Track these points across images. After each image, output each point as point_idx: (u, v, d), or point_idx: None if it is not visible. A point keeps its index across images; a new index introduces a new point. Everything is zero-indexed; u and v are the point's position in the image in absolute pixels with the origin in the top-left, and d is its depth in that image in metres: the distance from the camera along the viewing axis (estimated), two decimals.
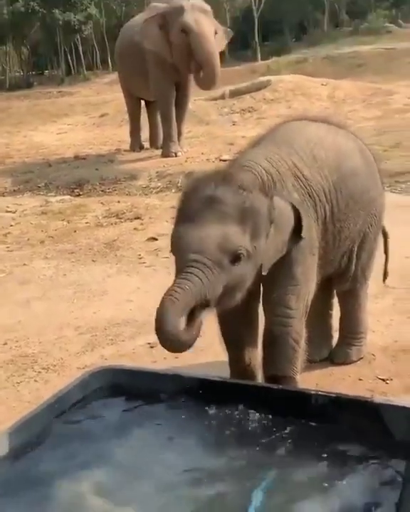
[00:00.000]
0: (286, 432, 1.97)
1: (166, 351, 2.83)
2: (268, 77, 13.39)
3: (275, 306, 2.14)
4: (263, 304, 2.21)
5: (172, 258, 1.93)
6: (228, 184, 1.84)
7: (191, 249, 1.78)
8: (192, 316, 1.80)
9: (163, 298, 1.74)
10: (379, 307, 3.15)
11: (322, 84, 12.77)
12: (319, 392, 1.98)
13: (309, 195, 2.15)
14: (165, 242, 4.53)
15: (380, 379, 2.52)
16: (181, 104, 8.22)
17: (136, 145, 9.02)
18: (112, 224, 5.18)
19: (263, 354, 2.24)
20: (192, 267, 1.75)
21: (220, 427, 2.02)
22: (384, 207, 2.55)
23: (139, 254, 4.35)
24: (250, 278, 1.96)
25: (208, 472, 1.84)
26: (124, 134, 9.97)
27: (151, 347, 2.99)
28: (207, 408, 2.07)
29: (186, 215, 1.85)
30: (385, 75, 17.72)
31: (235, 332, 2.33)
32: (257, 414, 2.03)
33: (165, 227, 4.91)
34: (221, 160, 7.36)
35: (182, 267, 1.79)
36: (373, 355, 2.71)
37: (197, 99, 11.33)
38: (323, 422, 1.94)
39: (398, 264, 3.67)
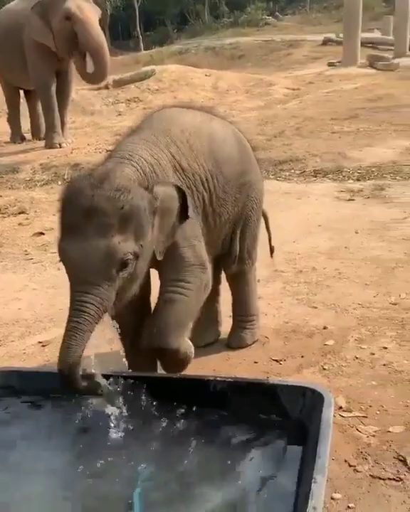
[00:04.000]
0: (185, 420, 1.97)
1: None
2: (152, 67, 13.31)
3: (170, 282, 2.15)
4: (160, 288, 2.19)
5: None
6: (104, 189, 1.80)
7: (79, 269, 1.79)
8: None
9: (64, 335, 1.80)
10: (269, 291, 3.22)
11: (206, 75, 12.90)
12: (217, 378, 2.00)
13: (187, 186, 2.17)
14: (53, 237, 4.41)
15: (274, 360, 2.57)
16: (63, 93, 7.96)
17: (16, 136, 8.64)
18: None
19: (148, 322, 2.17)
20: (83, 291, 1.78)
21: (114, 422, 1.98)
22: (263, 191, 2.63)
23: (26, 250, 4.17)
24: (143, 271, 1.97)
25: (94, 470, 1.80)
26: (2, 125, 9.52)
27: (43, 346, 2.87)
28: (103, 404, 2.04)
29: (68, 228, 1.83)
30: (264, 66, 18.23)
31: (129, 321, 2.30)
32: (155, 405, 2.02)
33: (52, 221, 4.74)
34: (107, 151, 7.23)
35: (73, 288, 1.82)
36: (266, 337, 2.77)
37: (80, 89, 11.05)
38: (223, 407, 1.97)
39: (285, 248, 3.80)
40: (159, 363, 2.30)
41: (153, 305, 2.31)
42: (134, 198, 1.84)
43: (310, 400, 1.86)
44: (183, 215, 2.03)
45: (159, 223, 1.96)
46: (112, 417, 1.98)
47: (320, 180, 5.55)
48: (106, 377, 2.02)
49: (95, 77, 7.25)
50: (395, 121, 7.60)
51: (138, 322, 2.31)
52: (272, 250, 2.82)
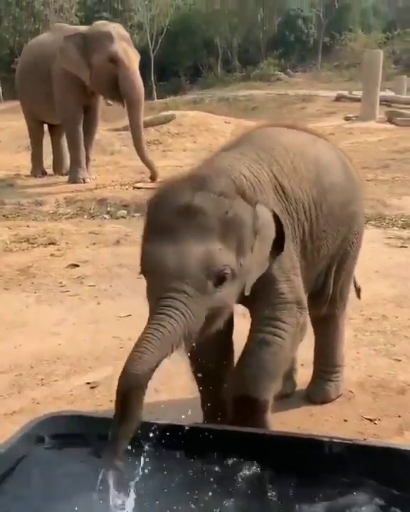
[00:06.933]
0: (293, 486, 1.62)
1: (112, 393, 2.46)
2: (172, 112, 13.33)
3: (266, 320, 1.82)
4: (252, 326, 1.86)
5: (143, 281, 1.58)
6: (207, 190, 1.53)
7: (169, 273, 1.45)
8: None
9: (136, 343, 1.40)
10: None
11: (226, 122, 12.88)
12: (334, 439, 1.65)
13: (288, 212, 1.88)
14: (89, 270, 4.10)
15: (367, 419, 2.23)
16: (89, 129, 7.80)
17: (38, 170, 8.42)
18: (23, 250, 4.60)
19: (237, 366, 1.84)
20: (171, 298, 1.44)
21: (203, 482, 1.63)
22: (363, 223, 2.33)
23: (61, 282, 3.84)
24: (234, 301, 1.66)
25: None
26: (22, 159, 9.35)
27: (92, 388, 2.52)
28: (189, 461, 1.69)
29: (158, 229, 1.52)
30: (278, 118, 18.36)
31: (210, 367, 1.96)
32: (250, 465, 1.67)
33: (87, 253, 4.47)
34: (135, 187, 7.02)
35: (158, 297, 1.46)
36: (351, 392, 2.43)
37: (100, 129, 10.96)
38: (340, 474, 1.61)
39: (351, 294, 3.48)
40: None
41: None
42: (240, 207, 1.56)
43: None
44: (278, 247, 1.73)
45: (258, 248, 1.65)
46: (194, 476, 1.64)
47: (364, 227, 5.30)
48: (191, 430, 1.68)
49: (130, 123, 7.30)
50: None
51: (220, 365, 1.98)
52: (358, 290, 2.52)
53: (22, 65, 8.27)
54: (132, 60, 7.07)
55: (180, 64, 33.63)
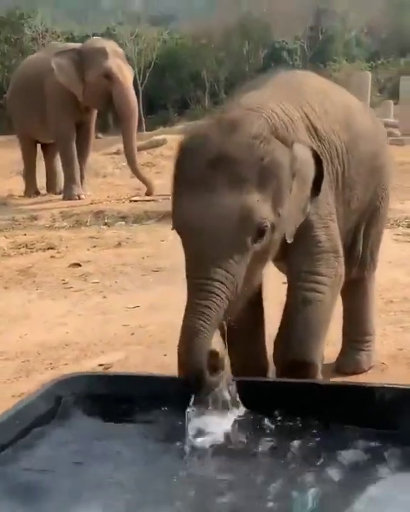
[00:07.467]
0: (340, 438, 1.46)
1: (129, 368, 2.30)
2: (164, 136, 13.35)
3: (304, 275, 1.71)
4: (290, 282, 1.73)
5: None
6: (239, 134, 1.42)
7: (202, 233, 1.36)
8: None
9: (185, 324, 1.34)
10: None
11: None
12: (385, 385, 1.51)
13: (321, 155, 1.76)
14: (92, 268, 3.95)
15: None
16: (83, 145, 7.74)
17: (31, 190, 8.30)
18: (21, 254, 4.45)
19: (281, 329, 1.72)
20: (209, 265, 1.34)
21: (241, 435, 1.47)
22: (392, 179, 2.21)
23: (63, 279, 3.69)
24: (273, 254, 1.55)
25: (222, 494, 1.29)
26: (14, 184, 9.25)
27: (106, 368, 2.37)
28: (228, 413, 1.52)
29: (189, 181, 1.42)
30: None
31: (240, 324, 1.81)
32: (300, 416, 1.50)
33: (88, 255, 4.33)
34: (131, 201, 6.92)
35: (193, 260, 1.38)
36: (383, 363, 2.29)
37: (92, 154, 10.95)
38: (394, 424, 1.46)
39: None
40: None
41: None
42: (276, 151, 1.44)
43: None
44: (316, 188, 1.62)
45: (296, 192, 1.53)
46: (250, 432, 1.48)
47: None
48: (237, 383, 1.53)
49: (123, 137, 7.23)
50: None
51: (250, 322, 1.83)
52: None
53: (15, 83, 8.26)
54: (126, 76, 7.07)
55: (168, 97, 34.10)
